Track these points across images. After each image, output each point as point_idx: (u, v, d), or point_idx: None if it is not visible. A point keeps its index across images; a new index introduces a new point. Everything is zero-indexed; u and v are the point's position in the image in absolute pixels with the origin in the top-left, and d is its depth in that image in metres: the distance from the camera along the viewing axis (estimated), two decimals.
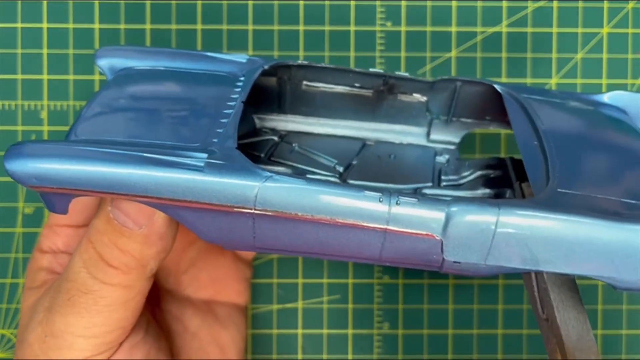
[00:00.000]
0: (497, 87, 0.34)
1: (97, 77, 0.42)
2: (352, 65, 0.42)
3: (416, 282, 0.42)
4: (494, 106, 0.36)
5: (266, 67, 0.34)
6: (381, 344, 0.42)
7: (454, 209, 0.26)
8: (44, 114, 0.42)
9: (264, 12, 0.42)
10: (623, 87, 0.42)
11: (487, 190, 0.36)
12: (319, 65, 0.35)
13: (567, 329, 0.27)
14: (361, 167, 0.37)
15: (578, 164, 0.29)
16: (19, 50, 0.42)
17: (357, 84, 0.37)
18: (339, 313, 0.42)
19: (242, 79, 0.33)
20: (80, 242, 0.30)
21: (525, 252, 0.26)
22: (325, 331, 0.42)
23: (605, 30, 0.42)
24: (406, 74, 0.36)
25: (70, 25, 0.42)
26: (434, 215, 0.26)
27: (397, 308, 0.42)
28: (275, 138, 0.38)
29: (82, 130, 0.29)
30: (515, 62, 0.42)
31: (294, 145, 0.38)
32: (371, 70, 0.36)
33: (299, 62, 0.35)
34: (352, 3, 0.42)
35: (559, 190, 0.27)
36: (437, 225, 0.26)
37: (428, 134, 0.39)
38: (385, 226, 0.26)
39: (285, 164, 0.37)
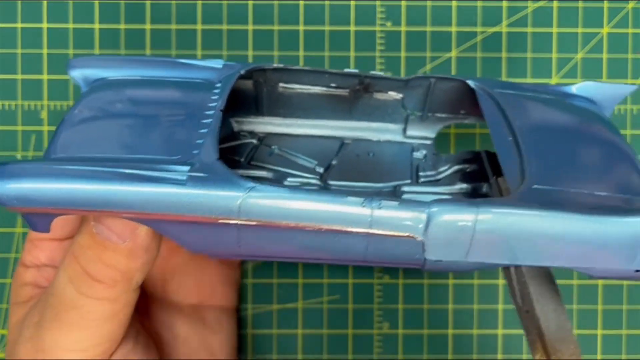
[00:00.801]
0: (470, 82, 0.35)
1: None
2: (351, 66, 0.42)
3: (416, 282, 0.42)
4: (468, 100, 0.36)
5: (242, 72, 0.34)
6: (381, 344, 0.42)
7: (434, 209, 0.27)
8: (44, 114, 0.42)
9: (264, 12, 0.42)
10: None
11: (465, 185, 0.37)
12: (294, 67, 0.35)
13: (547, 320, 0.28)
14: (341, 166, 0.38)
15: (551, 159, 0.30)
16: (19, 50, 0.42)
17: (333, 84, 0.37)
18: (339, 313, 0.42)
19: (218, 85, 0.33)
20: (64, 256, 0.29)
21: (504, 249, 0.27)
22: (325, 331, 0.42)
23: (605, 30, 0.42)
24: (380, 73, 0.36)
25: (70, 25, 0.42)
26: (414, 217, 0.27)
27: (397, 308, 0.42)
28: (254, 141, 0.38)
29: (61, 148, 0.29)
30: (515, 62, 0.42)
31: (273, 147, 0.38)
32: (346, 70, 0.36)
33: (274, 65, 0.35)
34: (352, 3, 0.42)
35: (535, 186, 0.28)
36: (418, 226, 0.27)
37: (404, 130, 0.39)
38: (368, 230, 0.27)
39: (265, 168, 0.37)
